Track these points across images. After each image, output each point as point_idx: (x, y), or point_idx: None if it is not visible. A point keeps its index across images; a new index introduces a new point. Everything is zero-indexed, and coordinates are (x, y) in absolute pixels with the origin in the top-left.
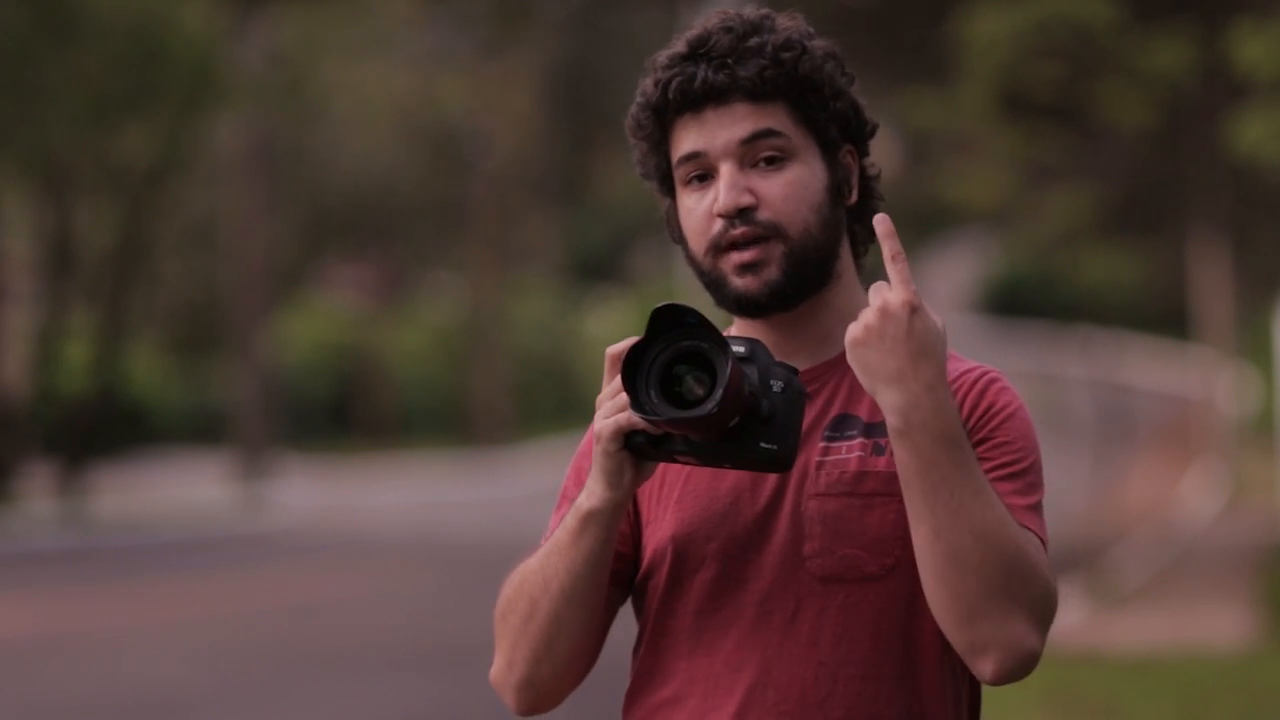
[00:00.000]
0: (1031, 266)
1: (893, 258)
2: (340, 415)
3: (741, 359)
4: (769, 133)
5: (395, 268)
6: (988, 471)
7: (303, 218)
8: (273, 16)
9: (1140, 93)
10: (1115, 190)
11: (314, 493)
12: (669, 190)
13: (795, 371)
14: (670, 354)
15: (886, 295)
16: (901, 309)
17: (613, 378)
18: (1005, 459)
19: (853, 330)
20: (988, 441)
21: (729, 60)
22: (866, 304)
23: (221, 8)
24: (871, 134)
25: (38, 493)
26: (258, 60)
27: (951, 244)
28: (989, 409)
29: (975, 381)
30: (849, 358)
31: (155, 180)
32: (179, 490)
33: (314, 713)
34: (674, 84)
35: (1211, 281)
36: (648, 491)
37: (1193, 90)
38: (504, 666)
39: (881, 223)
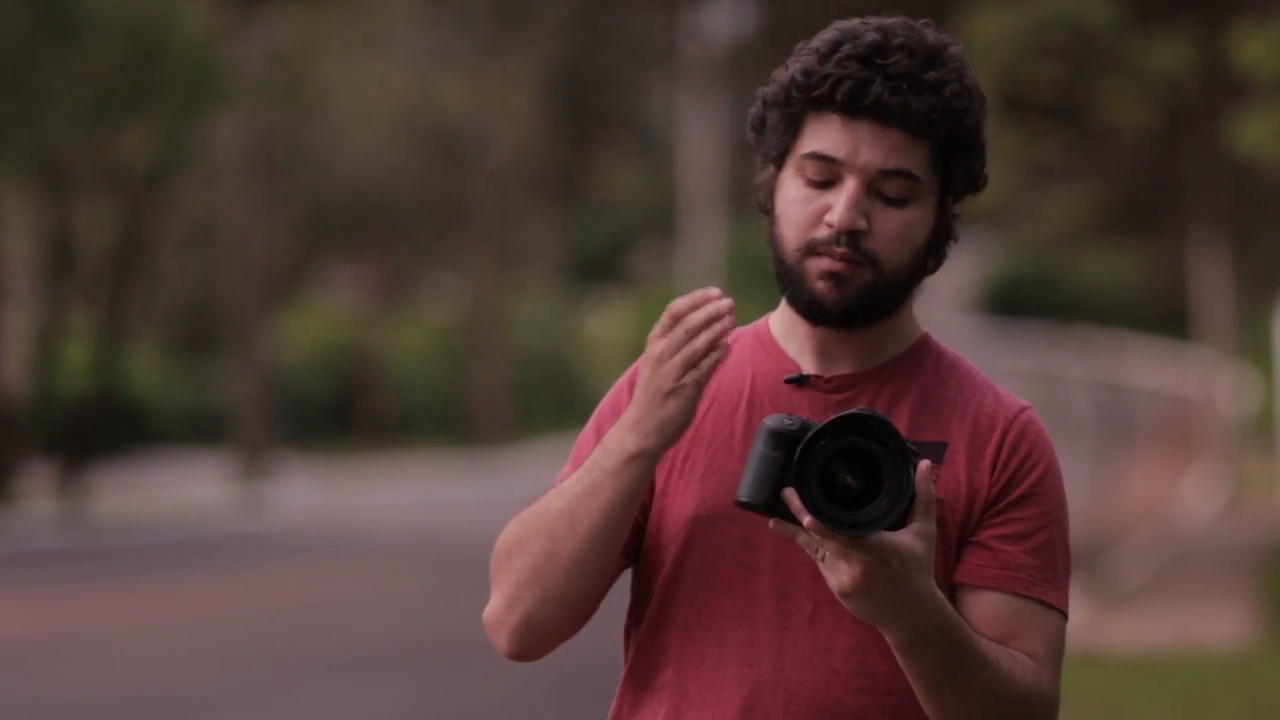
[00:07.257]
0: (1031, 266)
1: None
2: (340, 415)
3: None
4: (907, 174)
5: (395, 268)
6: (1012, 537)
7: (303, 218)
8: (273, 16)
9: (1140, 93)
10: (1115, 190)
11: (314, 493)
12: (777, 159)
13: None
14: (835, 447)
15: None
16: (880, 565)
17: (666, 330)
18: (1030, 528)
19: (841, 581)
20: (1018, 505)
21: (904, 85)
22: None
23: (221, 8)
24: (982, 186)
25: (38, 493)
26: (258, 60)
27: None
28: (1023, 462)
29: (1012, 422)
30: (848, 607)
31: (155, 180)
32: (179, 490)
33: (314, 713)
34: (844, 85)
35: (1211, 281)
36: (668, 461)
37: (1193, 90)
38: (504, 605)
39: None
